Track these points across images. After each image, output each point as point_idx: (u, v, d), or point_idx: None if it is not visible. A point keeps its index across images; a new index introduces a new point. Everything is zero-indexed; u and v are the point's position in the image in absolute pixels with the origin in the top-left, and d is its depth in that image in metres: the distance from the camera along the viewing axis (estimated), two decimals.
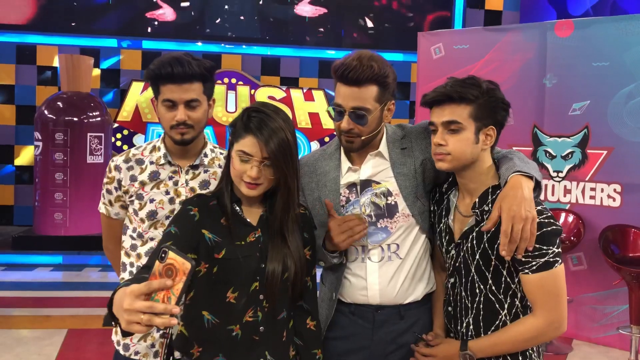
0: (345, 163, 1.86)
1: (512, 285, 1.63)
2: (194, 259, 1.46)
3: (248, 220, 1.64)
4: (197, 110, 1.80)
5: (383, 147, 1.84)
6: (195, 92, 1.78)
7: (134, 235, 1.89)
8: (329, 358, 1.82)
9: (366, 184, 1.83)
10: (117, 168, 1.89)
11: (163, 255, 1.13)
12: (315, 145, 7.22)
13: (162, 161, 1.89)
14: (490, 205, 1.64)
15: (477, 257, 1.65)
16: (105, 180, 1.92)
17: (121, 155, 1.93)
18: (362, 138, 1.76)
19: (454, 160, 1.65)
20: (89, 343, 4.10)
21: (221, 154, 1.97)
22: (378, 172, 1.84)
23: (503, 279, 1.63)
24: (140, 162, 1.90)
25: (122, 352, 1.90)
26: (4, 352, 3.90)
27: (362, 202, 1.82)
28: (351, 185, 1.84)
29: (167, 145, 1.90)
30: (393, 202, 1.81)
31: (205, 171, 1.91)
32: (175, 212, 1.75)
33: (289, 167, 1.58)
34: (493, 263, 1.63)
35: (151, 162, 1.90)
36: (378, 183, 1.83)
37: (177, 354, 1.67)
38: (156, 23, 8.08)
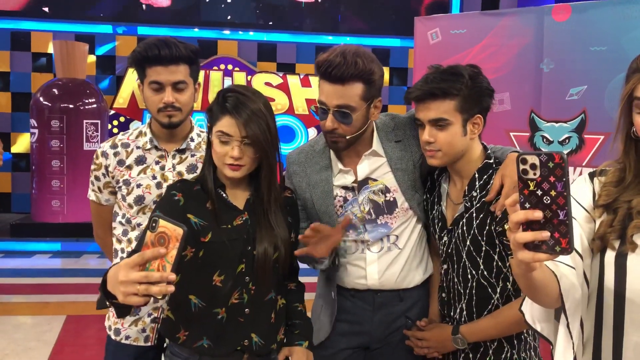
0: (337, 162, 1.81)
1: (504, 270, 1.64)
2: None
3: (234, 204, 1.63)
4: (184, 93, 1.80)
5: (376, 145, 1.80)
6: (182, 74, 1.78)
7: (123, 221, 1.89)
8: (332, 339, 1.83)
9: (363, 182, 1.80)
10: (104, 154, 1.89)
11: (154, 224, 1.11)
12: (312, 131, 7.19)
13: (149, 146, 1.88)
14: (478, 190, 1.64)
15: (468, 243, 1.65)
16: (92, 167, 1.91)
17: (108, 142, 1.93)
18: (347, 137, 1.70)
19: (445, 156, 1.64)
20: (88, 329, 4.11)
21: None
22: (374, 169, 1.80)
23: (494, 263, 1.63)
24: (126, 145, 1.90)
25: (113, 337, 1.90)
26: (3, 339, 3.92)
27: (361, 201, 1.79)
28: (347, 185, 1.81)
29: (153, 129, 1.90)
30: (392, 199, 1.78)
31: (192, 155, 1.90)
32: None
33: (269, 145, 1.56)
34: (484, 249, 1.63)
35: (137, 147, 1.89)
36: (375, 180, 1.80)
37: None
38: (152, 9, 8.01)
